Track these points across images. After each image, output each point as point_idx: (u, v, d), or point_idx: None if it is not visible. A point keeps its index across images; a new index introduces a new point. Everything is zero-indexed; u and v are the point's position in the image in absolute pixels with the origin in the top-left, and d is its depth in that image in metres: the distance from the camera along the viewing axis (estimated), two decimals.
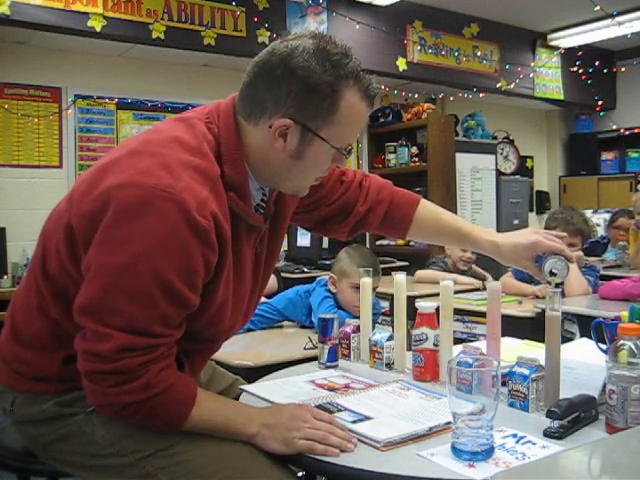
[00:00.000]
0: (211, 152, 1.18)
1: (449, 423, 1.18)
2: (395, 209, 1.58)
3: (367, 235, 5.92)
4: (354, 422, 1.24)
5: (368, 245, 5.62)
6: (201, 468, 1.16)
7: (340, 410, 1.31)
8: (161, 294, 1.09)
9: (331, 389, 1.48)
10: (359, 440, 1.17)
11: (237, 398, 1.45)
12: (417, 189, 5.73)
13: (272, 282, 3.02)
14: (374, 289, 2.33)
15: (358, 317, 1.83)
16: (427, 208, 1.62)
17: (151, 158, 1.12)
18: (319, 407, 1.31)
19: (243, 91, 1.22)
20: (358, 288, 2.17)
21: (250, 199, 1.25)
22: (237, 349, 2.14)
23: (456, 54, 5.79)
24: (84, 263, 1.13)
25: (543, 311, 1.40)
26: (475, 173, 6.28)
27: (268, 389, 1.48)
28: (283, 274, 4.30)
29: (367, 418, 1.26)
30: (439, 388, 1.50)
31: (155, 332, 1.11)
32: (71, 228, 1.15)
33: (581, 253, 3.07)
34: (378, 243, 5.94)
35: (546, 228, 3.17)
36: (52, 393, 1.24)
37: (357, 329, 1.79)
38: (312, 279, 3.62)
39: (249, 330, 2.42)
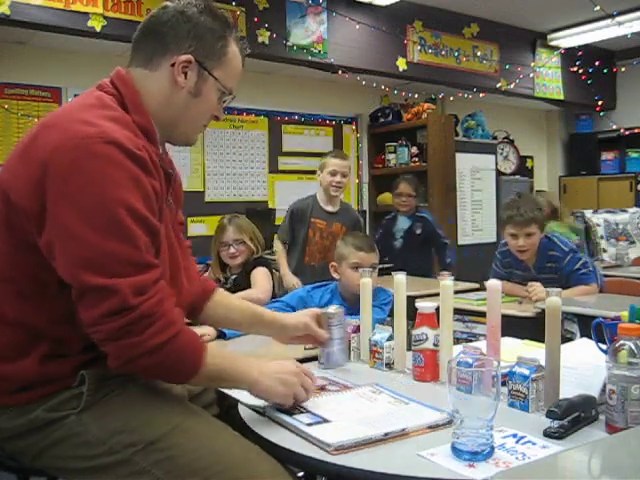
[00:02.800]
0: (116, 105, 1.28)
1: (404, 429, 1.20)
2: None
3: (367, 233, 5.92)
4: (309, 425, 1.23)
5: None
6: (195, 462, 1.17)
7: (302, 412, 1.31)
8: (134, 223, 1.14)
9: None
10: (311, 443, 1.17)
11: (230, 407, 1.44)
12: None
13: (266, 285, 2.98)
14: (374, 268, 2.42)
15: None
16: (222, 294, 1.68)
17: (69, 122, 1.19)
18: (281, 409, 1.32)
19: (141, 40, 1.35)
20: (357, 267, 2.32)
21: (158, 143, 1.34)
22: (238, 350, 2.14)
23: (456, 54, 5.79)
24: (45, 238, 1.14)
25: (543, 311, 1.41)
26: (475, 173, 6.28)
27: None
28: None
29: (325, 421, 1.26)
30: (439, 388, 1.50)
31: (150, 262, 1.16)
32: (16, 215, 1.16)
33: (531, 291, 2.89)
34: None
35: (502, 224, 3.05)
36: (39, 399, 1.22)
37: (357, 329, 1.79)
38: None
39: None
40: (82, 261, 1.12)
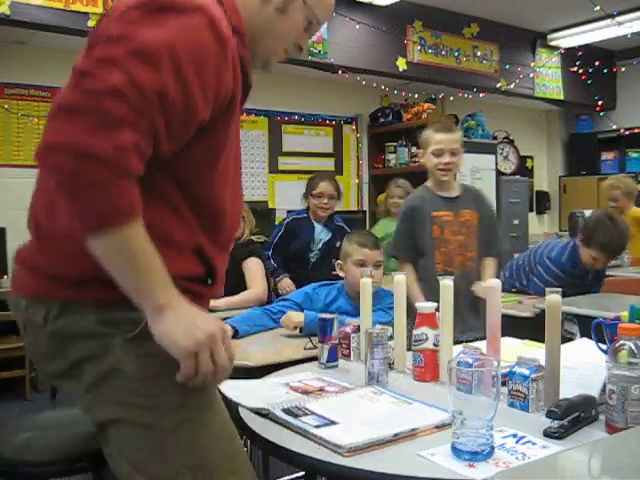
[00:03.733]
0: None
1: (414, 429, 1.20)
2: None
3: None
4: (317, 427, 1.23)
5: None
6: (206, 446, 1.14)
7: (307, 414, 1.30)
8: (170, 66, 1.09)
9: (305, 392, 1.48)
10: (322, 445, 1.17)
11: None
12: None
13: (264, 283, 2.96)
14: (377, 265, 2.44)
15: None
16: None
17: None
18: (285, 411, 1.31)
19: None
20: (361, 265, 2.35)
21: (248, 47, 1.31)
22: (238, 349, 2.14)
23: (456, 54, 5.79)
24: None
25: (543, 311, 1.41)
26: (475, 173, 6.28)
27: (239, 388, 1.47)
28: None
29: (333, 423, 1.26)
30: (439, 388, 1.50)
31: (149, 95, 1.06)
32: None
33: None
34: None
35: (588, 243, 3.04)
36: (94, 301, 1.14)
37: (357, 329, 1.80)
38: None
39: (272, 328, 2.42)
40: (102, 55, 1.07)
